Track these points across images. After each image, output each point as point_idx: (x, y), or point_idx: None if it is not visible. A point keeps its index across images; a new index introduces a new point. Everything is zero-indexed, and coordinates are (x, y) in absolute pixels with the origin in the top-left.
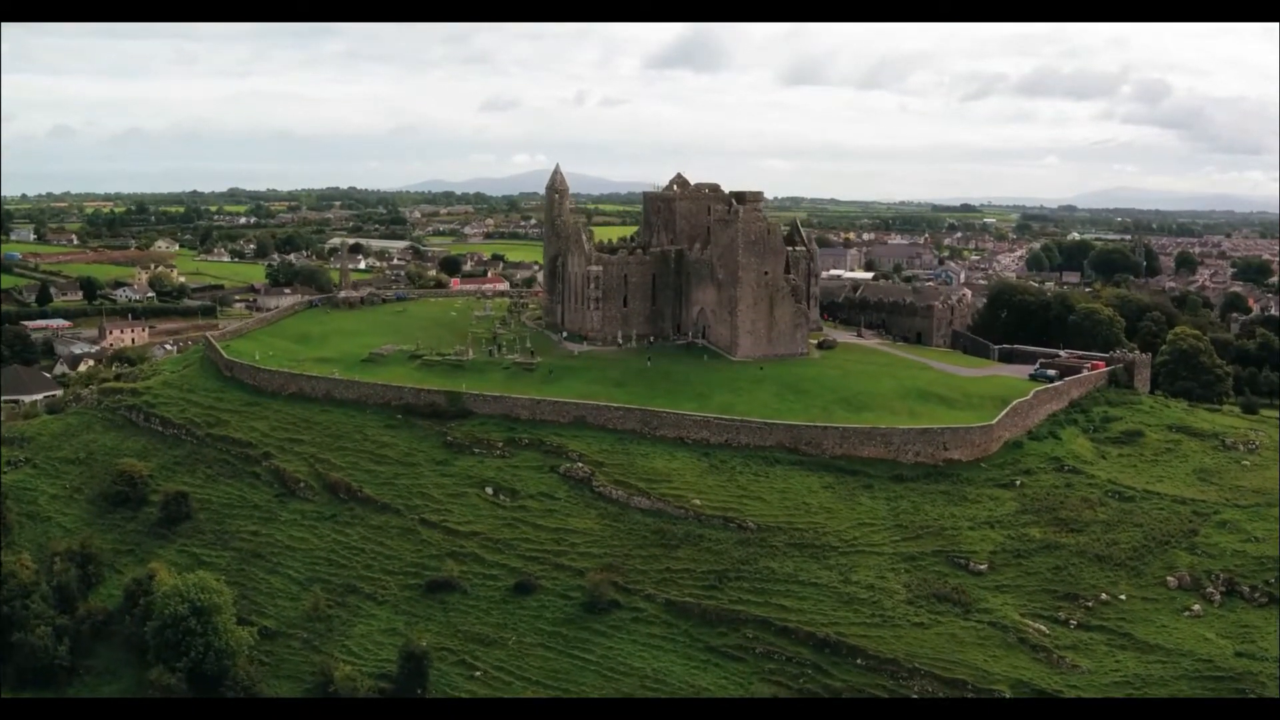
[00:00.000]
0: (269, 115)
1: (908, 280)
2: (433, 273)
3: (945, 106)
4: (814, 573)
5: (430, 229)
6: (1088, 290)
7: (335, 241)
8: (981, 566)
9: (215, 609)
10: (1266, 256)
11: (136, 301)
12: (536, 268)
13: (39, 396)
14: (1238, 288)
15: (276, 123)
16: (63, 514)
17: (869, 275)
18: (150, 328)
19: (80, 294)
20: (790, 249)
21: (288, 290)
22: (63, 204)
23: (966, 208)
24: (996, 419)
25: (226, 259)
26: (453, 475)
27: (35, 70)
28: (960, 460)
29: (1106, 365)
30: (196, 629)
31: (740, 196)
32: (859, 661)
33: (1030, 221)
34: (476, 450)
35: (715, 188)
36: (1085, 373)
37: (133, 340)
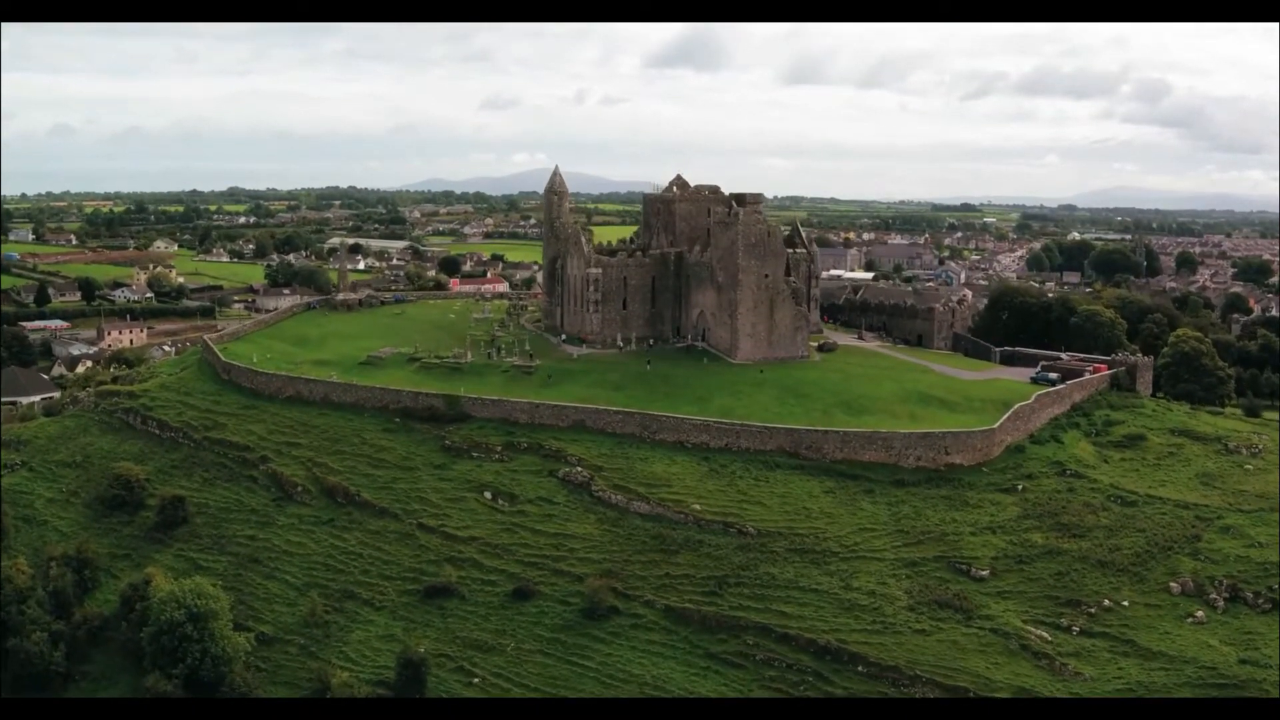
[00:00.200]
0: (269, 114)
1: (908, 280)
2: (432, 273)
3: (945, 105)
4: (814, 579)
5: (430, 229)
6: (1088, 291)
7: (334, 241)
8: (983, 572)
9: (212, 615)
10: (1267, 256)
11: (135, 302)
12: (536, 268)
13: (36, 398)
14: (1238, 288)
15: (276, 122)
16: (59, 518)
17: (869, 275)
18: (149, 329)
19: (79, 295)
20: (790, 251)
21: (286, 291)
22: (62, 203)
23: (966, 207)
24: (998, 423)
25: (225, 259)
26: (451, 479)
27: (35, 69)
28: (962, 465)
29: (1108, 368)
30: (193, 635)
31: (740, 198)
32: (860, 669)
33: (1030, 221)
34: (475, 454)
35: (715, 189)
36: (1087, 376)
37: (131, 341)
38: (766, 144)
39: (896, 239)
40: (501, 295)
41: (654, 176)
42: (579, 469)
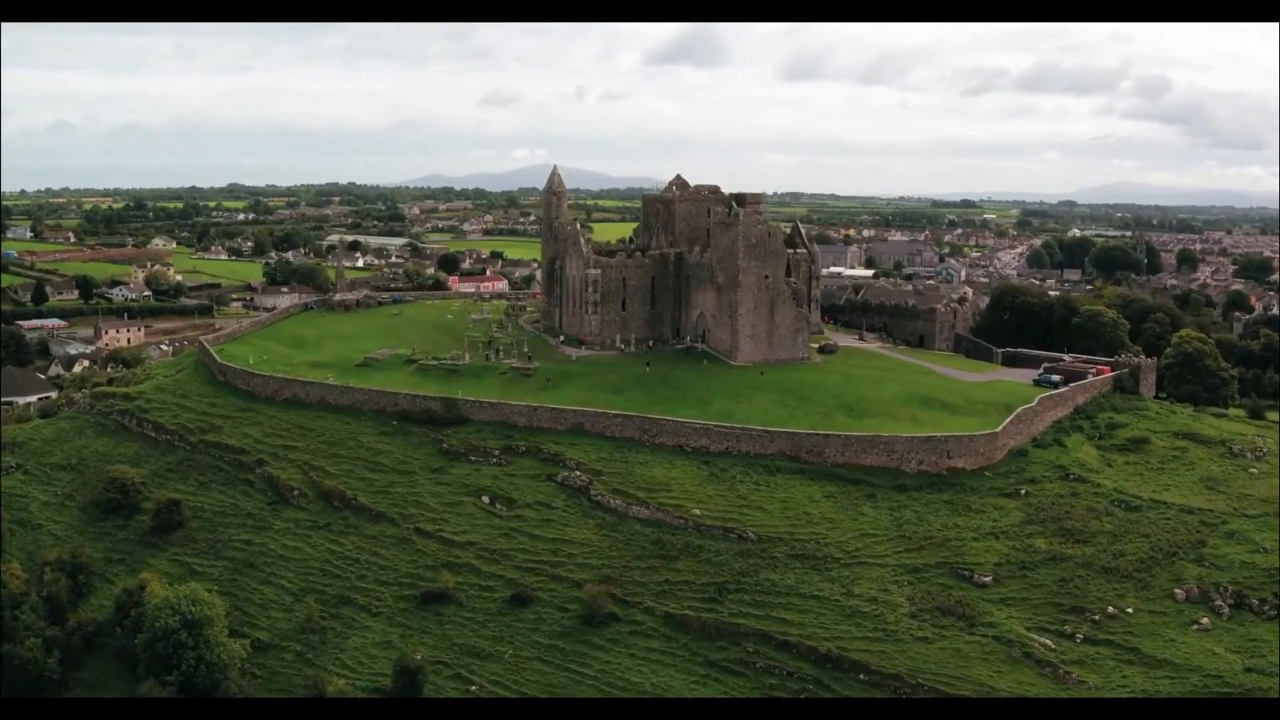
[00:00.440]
0: (268, 110)
1: (908, 278)
2: (431, 271)
3: (945, 101)
4: (815, 585)
5: (429, 225)
6: (1088, 289)
7: (333, 239)
8: (986, 579)
9: (207, 621)
10: (1268, 253)
11: (133, 300)
12: (535, 265)
13: (33, 399)
14: (1239, 286)
15: (276, 118)
16: (54, 521)
17: (869, 273)
18: (146, 327)
19: (76, 293)
20: (791, 251)
21: (285, 289)
22: (61, 200)
23: (966, 203)
24: (1001, 426)
25: (224, 257)
26: (448, 484)
27: (35, 65)
28: (964, 469)
29: (1111, 370)
30: (188, 642)
31: (740, 199)
32: (861, 677)
33: (1030, 217)
34: (473, 458)
35: (715, 189)
36: (1090, 378)
37: (128, 340)
38: (766, 140)
39: (897, 236)
40: (500, 295)
41: (654, 173)
42: (578, 473)
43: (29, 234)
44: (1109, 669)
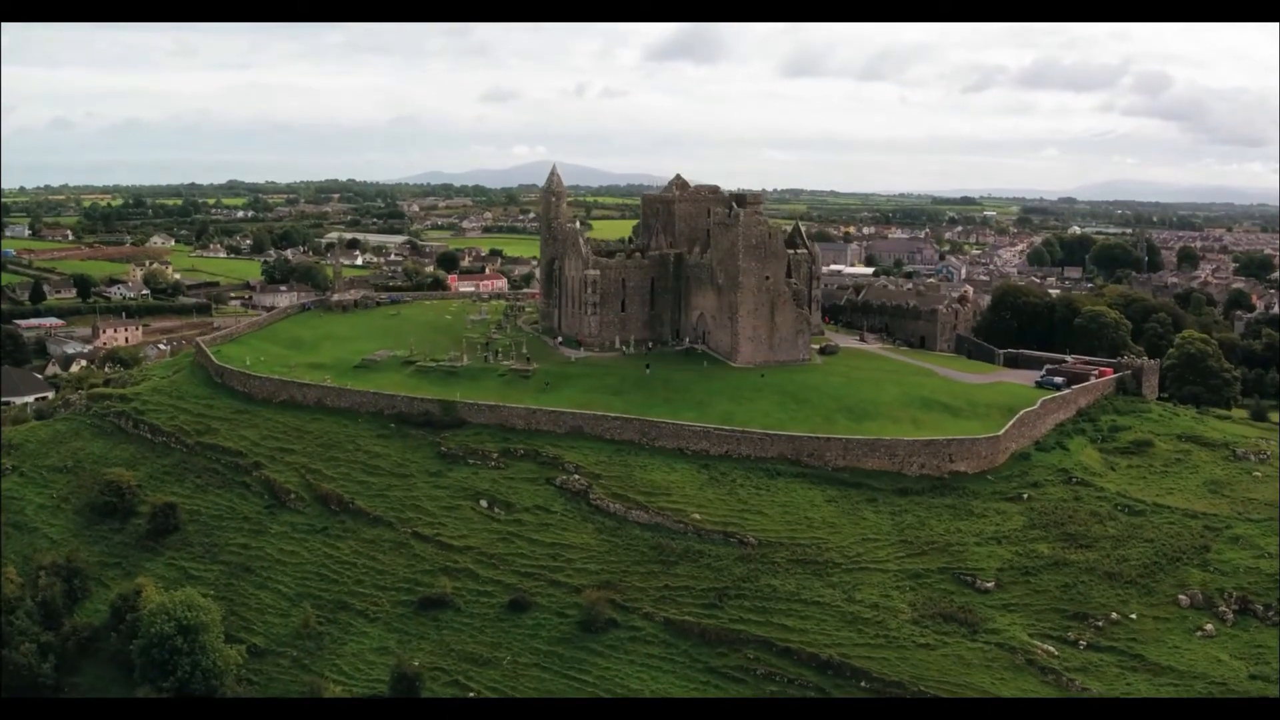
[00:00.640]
0: (268, 107)
1: (908, 276)
2: (430, 269)
3: (945, 98)
4: (817, 591)
5: (428, 223)
6: (1089, 287)
7: (332, 236)
8: (989, 584)
9: (202, 627)
10: (1268, 251)
11: (131, 299)
12: (534, 263)
13: (30, 399)
14: (1240, 284)
15: (276, 114)
16: (49, 524)
17: (869, 271)
18: (144, 326)
19: (74, 291)
20: (791, 252)
21: (283, 288)
22: (60, 197)
23: (966, 199)
24: (1003, 430)
25: (223, 255)
26: (446, 487)
27: (34, 62)
28: (966, 472)
29: (1114, 371)
30: (183, 648)
31: (741, 199)
32: (863, 684)
33: (1030, 214)
34: (471, 461)
35: (715, 189)
36: (1093, 380)
37: (126, 340)
38: (766, 136)
39: (897, 233)
40: (499, 295)
41: (653, 169)
42: (576, 476)
43: (27, 232)
44: (1112, 676)
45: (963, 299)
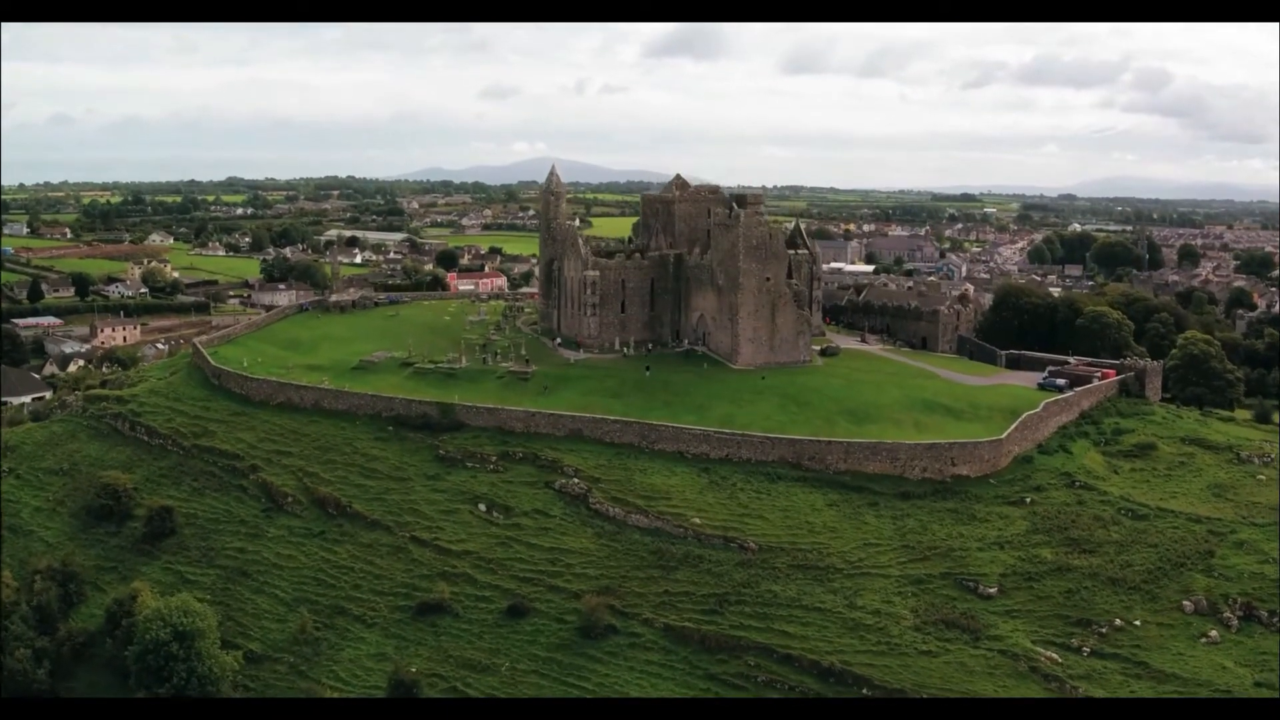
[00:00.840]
0: (268, 103)
1: (909, 274)
2: (429, 267)
3: (945, 94)
4: (818, 596)
5: (427, 220)
6: (1090, 284)
7: (331, 234)
8: (991, 590)
9: (198, 633)
10: (1269, 249)
11: (129, 298)
12: (533, 261)
13: (27, 399)
14: (1241, 281)
15: (275, 111)
16: (45, 528)
17: (869, 268)
18: (142, 325)
19: (72, 290)
20: (792, 252)
21: (282, 286)
22: (60, 193)
23: (966, 196)
24: (1006, 433)
25: (221, 253)
26: (444, 490)
27: (34, 58)
28: (968, 476)
29: (1117, 373)
30: (179, 654)
31: (741, 199)
32: (865, 691)
33: (1031, 211)
34: (469, 464)
35: (715, 190)
36: (1096, 382)
37: (124, 339)
38: (766, 133)
39: (897, 230)
40: (498, 295)
41: (653, 166)
42: (576, 480)
43: (25, 230)
44: (1116, 683)
45: (964, 299)
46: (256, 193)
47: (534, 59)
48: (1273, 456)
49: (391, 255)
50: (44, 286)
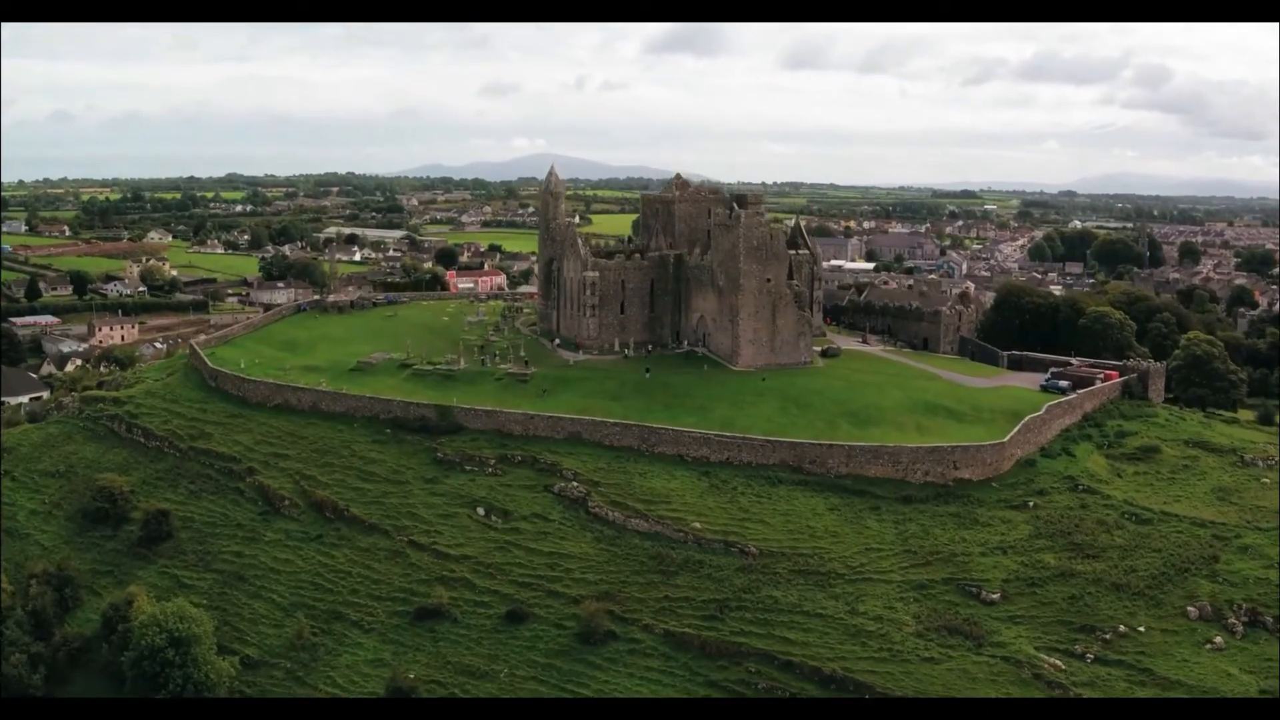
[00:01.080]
0: (267, 99)
1: (909, 272)
2: (428, 265)
3: (945, 91)
4: (819, 602)
5: (427, 217)
6: (1090, 282)
7: (331, 231)
8: (994, 596)
9: (194, 639)
10: (1269, 246)
11: (127, 296)
12: (533, 258)
13: (24, 399)
14: (1242, 279)
15: (275, 107)
16: (41, 531)
17: (870, 266)
18: (140, 324)
19: (70, 288)
20: (793, 252)
21: (281, 284)
22: (59, 190)
23: (967, 193)
24: (1008, 436)
25: (220, 251)
26: (443, 494)
27: (34, 55)
28: (971, 480)
29: (1120, 375)
30: (175, 660)
31: (741, 199)
32: (866, 699)
33: (1031, 208)
34: (468, 467)
35: (716, 190)
36: (1099, 383)
37: (122, 338)
38: (766, 129)
39: (897, 227)
40: (497, 295)
41: (653, 162)
42: (575, 484)
43: (24, 227)
44: (1120, 691)
45: (965, 298)
46: (256, 189)
47: (534, 55)
48: (1277, 460)
49: (391, 253)
50: (42, 285)
